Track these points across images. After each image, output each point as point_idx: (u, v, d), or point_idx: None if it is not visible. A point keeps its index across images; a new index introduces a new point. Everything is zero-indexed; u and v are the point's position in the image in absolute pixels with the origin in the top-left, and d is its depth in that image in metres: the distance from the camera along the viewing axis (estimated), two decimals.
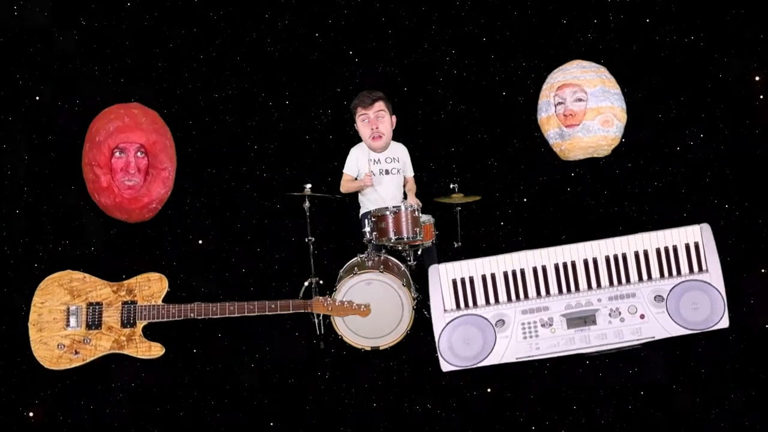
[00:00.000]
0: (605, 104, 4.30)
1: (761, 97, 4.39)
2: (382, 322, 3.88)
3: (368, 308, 3.77)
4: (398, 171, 4.37)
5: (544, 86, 4.51)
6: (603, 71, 4.42)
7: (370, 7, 4.60)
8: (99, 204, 4.27)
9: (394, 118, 4.41)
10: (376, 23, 4.62)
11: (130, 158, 4.16)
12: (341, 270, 4.12)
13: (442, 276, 3.41)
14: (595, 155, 4.47)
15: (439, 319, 3.41)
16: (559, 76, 4.43)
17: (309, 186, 4.19)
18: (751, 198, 4.36)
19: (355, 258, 4.09)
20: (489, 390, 3.57)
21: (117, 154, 4.14)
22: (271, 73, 4.66)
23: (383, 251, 4.15)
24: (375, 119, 4.30)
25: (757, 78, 4.42)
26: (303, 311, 3.81)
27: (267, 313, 3.77)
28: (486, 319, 3.35)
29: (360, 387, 3.72)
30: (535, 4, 4.60)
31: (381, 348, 3.90)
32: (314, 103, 4.75)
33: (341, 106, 4.58)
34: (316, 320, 4.14)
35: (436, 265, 3.48)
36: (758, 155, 4.37)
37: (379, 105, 4.30)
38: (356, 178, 4.38)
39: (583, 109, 4.29)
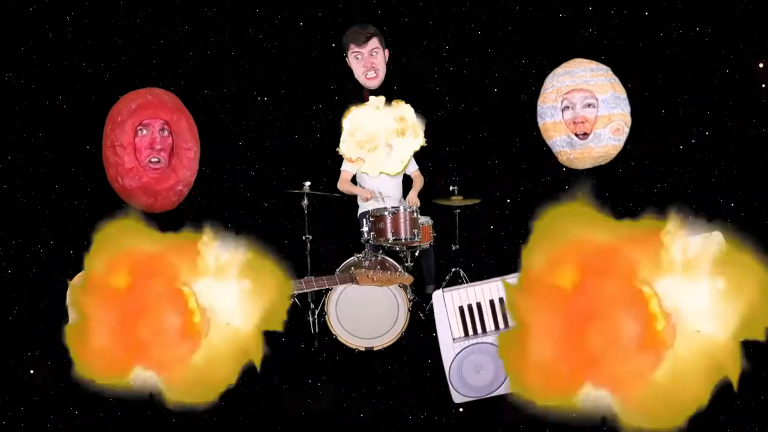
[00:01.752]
0: (616, 111, 4.12)
1: (763, 86, 4.23)
2: (377, 322, 3.86)
3: (411, 276, 3.65)
4: None
5: (547, 88, 4.28)
6: (610, 74, 4.21)
7: (369, 6, 4.59)
8: (122, 190, 4.11)
9: (387, 52, 4.26)
10: (377, 23, 4.61)
11: (155, 135, 4.04)
12: (337, 269, 4.08)
13: (448, 304, 3.27)
14: (602, 163, 4.30)
15: (448, 350, 3.27)
16: (566, 79, 4.21)
17: (308, 184, 4.18)
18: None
19: (352, 257, 4.03)
20: None
21: (141, 132, 4.00)
22: (270, 70, 4.64)
23: (380, 251, 4.13)
24: (369, 56, 4.19)
25: (761, 65, 4.23)
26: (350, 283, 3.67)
27: (315, 289, 3.64)
28: (497, 346, 3.20)
29: (353, 387, 3.70)
30: (534, 2, 4.54)
31: (375, 349, 3.89)
32: (314, 101, 4.74)
33: (341, 105, 4.57)
34: (311, 319, 4.13)
35: (440, 291, 3.34)
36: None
37: (374, 42, 4.13)
38: (354, 176, 4.37)
39: (594, 117, 4.12)
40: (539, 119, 4.37)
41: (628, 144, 4.23)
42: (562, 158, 4.35)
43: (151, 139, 4.05)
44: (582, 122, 4.13)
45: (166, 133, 4.09)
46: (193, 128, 4.26)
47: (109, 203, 4.15)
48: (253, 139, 4.72)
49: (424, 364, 3.80)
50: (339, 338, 3.88)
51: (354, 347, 3.89)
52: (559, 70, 4.27)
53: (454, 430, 3.39)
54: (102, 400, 3.59)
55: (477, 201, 4.30)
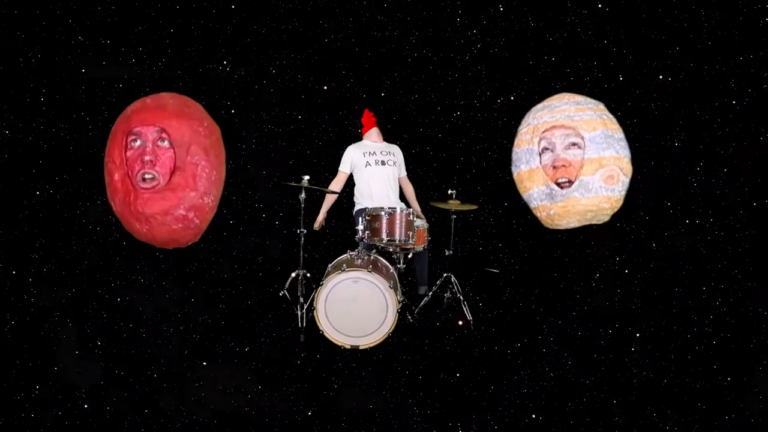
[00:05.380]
0: (609, 153, 3.20)
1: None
2: (364, 321, 3.84)
3: None
4: (394, 163, 4.37)
5: (522, 129, 3.55)
6: (602, 109, 3.41)
7: (376, 16, 4.62)
8: (117, 215, 3.47)
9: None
10: (381, 30, 4.64)
11: (148, 145, 3.28)
12: (330, 265, 4.07)
13: None
14: (593, 222, 3.42)
15: None
16: (545, 115, 3.37)
17: (307, 178, 4.17)
18: None
19: (345, 255, 4.05)
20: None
21: (133, 143, 3.28)
22: (271, 67, 4.63)
23: (374, 251, 4.13)
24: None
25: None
26: None
27: None
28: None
29: (336, 383, 3.68)
30: (536, 15, 4.53)
31: (361, 347, 3.86)
32: (314, 101, 4.74)
33: (341, 105, 4.59)
34: (299, 313, 4.10)
35: None
36: None
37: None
38: (351, 175, 4.38)
39: (580, 159, 3.21)
40: (513, 168, 3.71)
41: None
42: (542, 215, 3.57)
43: (142, 150, 3.28)
44: (563, 166, 3.30)
45: (166, 143, 3.33)
46: (203, 138, 3.47)
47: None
48: (254, 133, 4.67)
49: (410, 366, 3.79)
50: (325, 334, 3.84)
51: (340, 344, 3.86)
52: (537, 106, 3.62)
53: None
54: None
55: (474, 207, 4.31)
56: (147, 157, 3.25)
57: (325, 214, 4.32)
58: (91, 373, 3.47)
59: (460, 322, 3.85)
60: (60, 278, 3.94)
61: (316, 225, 4.29)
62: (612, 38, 4.16)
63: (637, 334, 3.57)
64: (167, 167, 3.33)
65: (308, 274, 4.20)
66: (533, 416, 3.26)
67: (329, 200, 4.34)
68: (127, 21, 4.22)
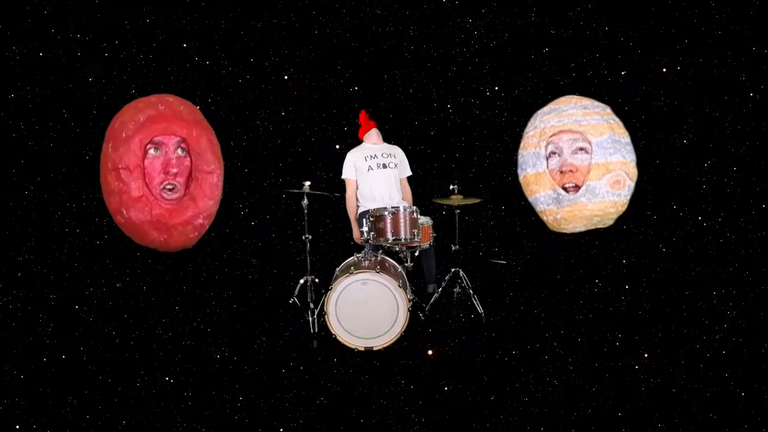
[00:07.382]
0: (615, 158, 3.23)
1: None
2: (376, 322, 3.83)
3: None
4: (395, 165, 4.31)
5: (529, 131, 3.53)
6: (609, 113, 3.40)
7: (377, 14, 4.43)
8: (128, 224, 3.38)
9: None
10: (383, 30, 4.47)
11: (170, 156, 3.31)
12: (337, 269, 4.08)
13: None
14: (599, 226, 3.46)
15: None
16: (552, 118, 3.38)
17: (308, 183, 4.12)
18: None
19: (352, 257, 4.04)
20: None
21: (152, 151, 3.29)
22: (271, 69, 4.52)
23: (380, 251, 4.11)
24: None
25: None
26: None
27: None
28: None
29: (352, 387, 3.75)
30: (537, 13, 4.34)
31: (375, 349, 3.89)
32: (315, 102, 4.62)
33: (342, 106, 4.46)
34: (310, 318, 4.14)
35: None
36: None
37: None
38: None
39: (587, 164, 3.25)
40: (519, 171, 3.71)
41: None
42: (548, 219, 3.59)
43: (165, 161, 3.31)
44: (570, 171, 3.35)
45: (182, 152, 3.36)
46: (215, 146, 3.56)
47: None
48: (254, 138, 4.62)
49: (424, 365, 3.83)
50: (338, 338, 3.86)
51: (353, 347, 3.89)
52: (544, 109, 3.60)
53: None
54: None
55: (477, 201, 4.22)
56: (173, 170, 3.30)
57: (358, 225, 4.29)
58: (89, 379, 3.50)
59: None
60: (55, 280, 4.01)
61: (357, 239, 4.27)
62: (616, 33, 3.96)
63: (645, 353, 3.52)
64: (184, 176, 3.40)
65: (317, 280, 4.20)
66: (535, 425, 3.31)
67: (353, 211, 4.31)
68: (115, 17, 4.14)
